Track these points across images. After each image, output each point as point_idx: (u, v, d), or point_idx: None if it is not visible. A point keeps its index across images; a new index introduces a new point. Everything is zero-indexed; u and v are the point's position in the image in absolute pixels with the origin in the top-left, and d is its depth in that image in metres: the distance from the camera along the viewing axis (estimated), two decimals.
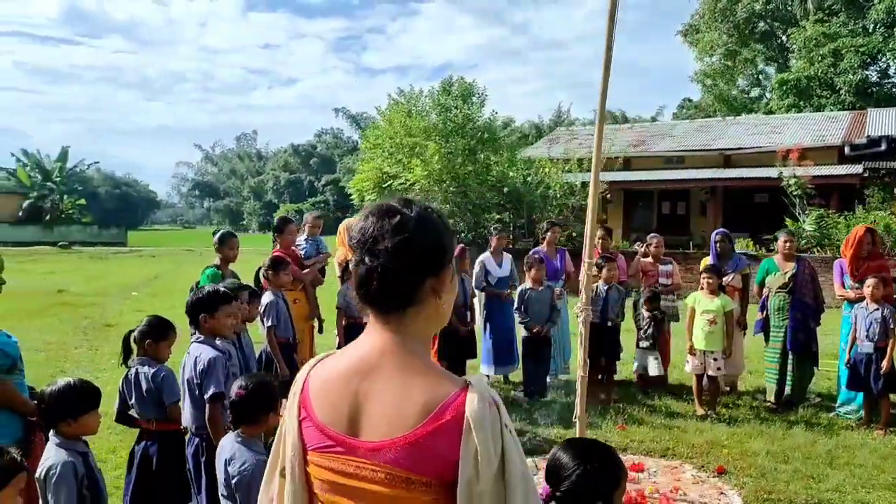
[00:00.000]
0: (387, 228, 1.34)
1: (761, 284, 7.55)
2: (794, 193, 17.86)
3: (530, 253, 7.92)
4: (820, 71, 29.81)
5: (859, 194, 19.34)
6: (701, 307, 7.05)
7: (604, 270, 7.36)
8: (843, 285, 7.06)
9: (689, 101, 47.92)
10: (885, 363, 6.35)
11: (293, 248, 6.54)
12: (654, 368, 7.70)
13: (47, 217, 45.96)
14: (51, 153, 54.43)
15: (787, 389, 7.25)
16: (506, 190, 20.83)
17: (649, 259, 8.38)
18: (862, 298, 6.66)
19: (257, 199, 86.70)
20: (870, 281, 6.60)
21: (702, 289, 7.15)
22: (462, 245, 7.67)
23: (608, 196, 22.34)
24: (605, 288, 7.31)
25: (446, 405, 1.28)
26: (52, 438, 2.76)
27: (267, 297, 5.20)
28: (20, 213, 45.49)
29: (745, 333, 7.81)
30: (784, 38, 36.69)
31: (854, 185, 19.60)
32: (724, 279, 7.80)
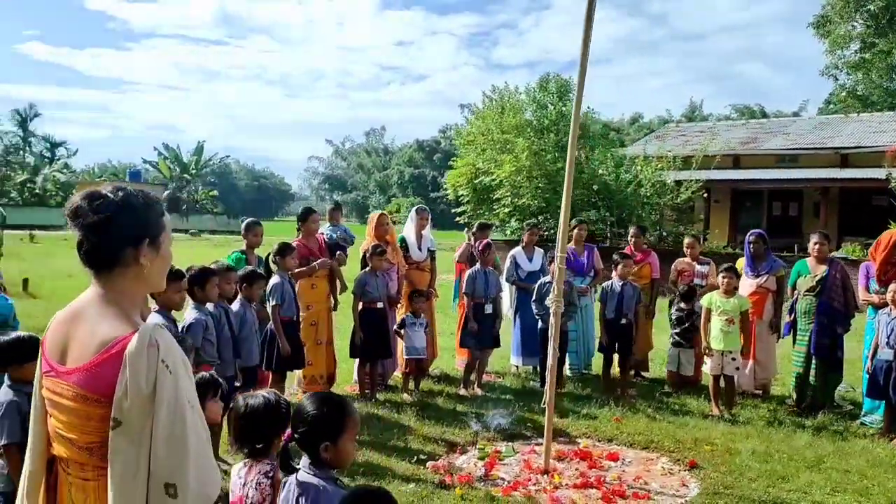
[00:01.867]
0: (90, 208, 1.80)
1: (794, 287, 7.41)
2: None
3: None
4: None
5: None
6: (717, 307, 7.05)
7: (619, 267, 7.49)
8: (867, 289, 6.84)
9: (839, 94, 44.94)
10: None
11: (318, 235, 7.15)
12: (687, 367, 7.75)
13: (184, 207, 49.91)
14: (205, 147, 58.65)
15: (810, 394, 7.10)
16: (595, 187, 20.74)
17: (686, 259, 8.39)
18: (886, 304, 6.45)
19: (382, 193, 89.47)
20: (893, 286, 6.38)
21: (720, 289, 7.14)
22: (487, 241, 8.00)
23: (704, 195, 21.69)
24: (620, 284, 7.44)
25: (115, 342, 1.69)
26: (5, 381, 3.43)
27: (273, 279, 5.83)
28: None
29: (778, 337, 7.69)
30: None
31: None
32: (757, 280, 7.75)
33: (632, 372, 8.47)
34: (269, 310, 5.76)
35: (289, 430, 2.45)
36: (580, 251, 8.53)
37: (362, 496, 2.19)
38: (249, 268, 5.63)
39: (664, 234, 20.29)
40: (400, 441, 5.63)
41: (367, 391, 6.89)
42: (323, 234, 7.23)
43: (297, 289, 6.85)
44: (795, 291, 7.33)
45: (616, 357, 7.57)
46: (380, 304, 6.90)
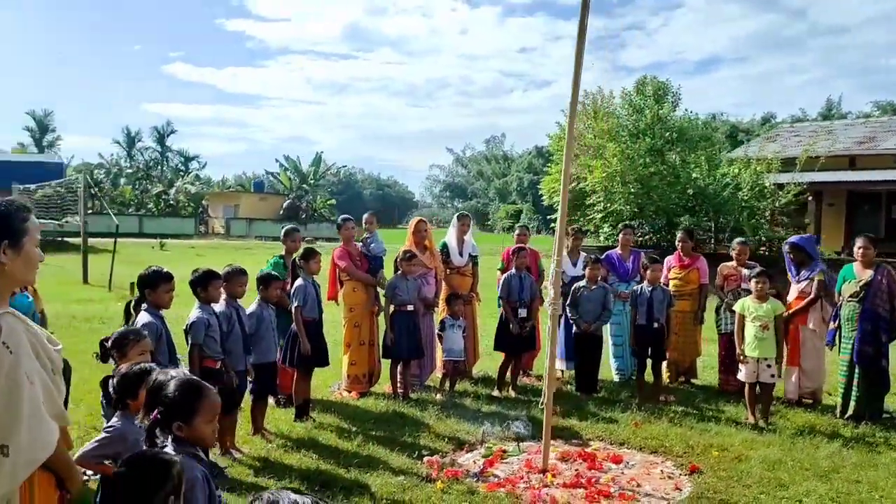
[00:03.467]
0: None
1: (840, 293, 7.13)
2: None
3: (589, 254, 8.23)
4: None
5: None
6: (751, 313, 6.90)
7: (648, 272, 7.47)
8: None
9: None
10: None
11: (355, 243, 7.61)
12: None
13: (303, 216, 52.45)
14: (330, 158, 61.52)
15: (854, 404, 6.81)
16: (690, 192, 20.20)
17: (733, 264, 8.21)
18: None
19: (502, 200, 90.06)
20: None
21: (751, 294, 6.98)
22: (520, 245, 8.18)
23: (809, 198, 20.59)
24: (650, 289, 7.41)
25: None
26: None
27: (298, 282, 6.31)
28: (280, 212, 52.45)
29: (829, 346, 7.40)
30: None
31: None
32: (800, 286, 7.53)
33: (681, 378, 8.42)
34: (291, 310, 6.24)
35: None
36: (626, 256, 8.54)
37: (134, 461, 2.34)
38: (265, 271, 6.14)
39: (762, 239, 19.46)
40: (411, 437, 5.95)
41: (399, 390, 7.25)
42: (359, 243, 7.68)
43: (341, 292, 7.36)
44: (840, 297, 7.06)
45: (650, 362, 7.55)
46: (410, 307, 7.25)
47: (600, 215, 21.82)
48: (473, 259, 8.36)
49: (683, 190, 20.43)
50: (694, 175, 20.22)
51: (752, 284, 7.02)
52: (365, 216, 7.97)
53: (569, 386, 7.96)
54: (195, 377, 2.71)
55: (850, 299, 6.90)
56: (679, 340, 8.22)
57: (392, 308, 7.26)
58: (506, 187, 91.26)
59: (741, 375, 7.04)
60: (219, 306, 5.19)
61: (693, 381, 8.42)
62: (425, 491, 4.77)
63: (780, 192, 19.40)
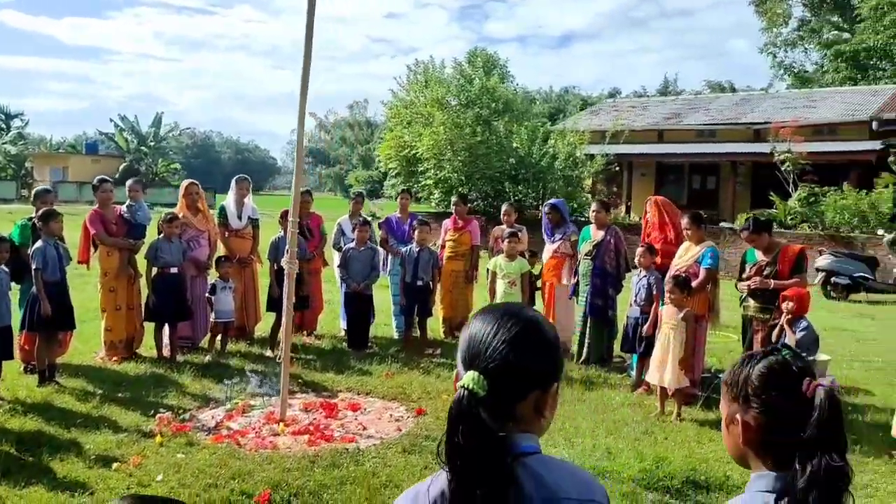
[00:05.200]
0: None
1: (580, 251, 7.89)
2: (787, 170, 17.32)
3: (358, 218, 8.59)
4: (879, 42, 27.97)
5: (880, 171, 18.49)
6: (501, 270, 7.51)
7: (416, 232, 7.96)
8: None
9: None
10: (646, 327, 6.61)
11: (116, 206, 7.49)
12: None
13: (143, 180, 49.65)
14: (186, 119, 58.04)
15: (586, 350, 7.62)
16: (512, 160, 21.17)
17: (503, 227, 8.83)
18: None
19: (366, 167, 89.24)
20: (640, 250, 6.88)
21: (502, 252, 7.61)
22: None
23: (616, 168, 22.21)
24: (417, 250, 7.88)
25: None
26: None
27: (37, 244, 6.16)
28: (116, 175, 49.44)
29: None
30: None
31: (870, 162, 18.68)
32: (553, 246, 8.24)
33: (456, 333, 9.00)
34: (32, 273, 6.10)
35: None
36: (405, 219, 8.96)
37: None
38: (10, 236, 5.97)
39: (575, 206, 20.78)
40: (156, 398, 6.02)
41: (166, 353, 7.27)
42: (121, 207, 7.54)
43: (95, 255, 7.22)
44: (580, 255, 7.82)
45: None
46: (174, 270, 7.26)
47: (432, 181, 22.39)
48: (253, 222, 8.45)
49: (508, 159, 21.37)
50: (515, 145, 21.17)
51: (504, 244, 7.63)
52: (129, 183, 7.83)
53: (343, 345, 8.31)
54: None
55: (585, 257, 7.67)
56: (452, 298, 8.79)
57: (155, 271, 7.24)
58: (369, 154, 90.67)
59: None
60: None
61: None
62: (141, 445, 4.90)
63: (590, 163, 20.79)
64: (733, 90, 50.43)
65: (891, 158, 16.90)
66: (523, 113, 23.74)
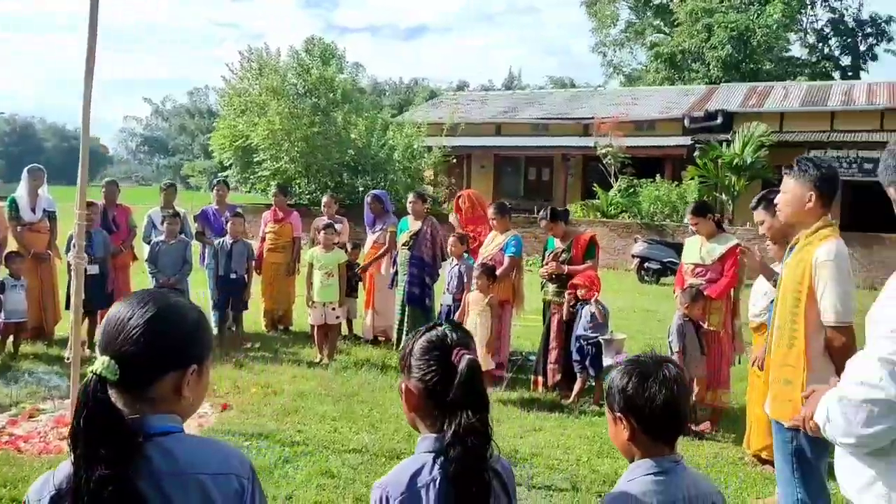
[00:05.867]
0: None
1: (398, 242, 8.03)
2: (609, 163, 18.53)
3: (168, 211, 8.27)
4: (694, 45, 30.52)
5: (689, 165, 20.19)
6: (318, 262, 7.48)
7: (229, 225, 7.78)
8: None
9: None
10: (457, 314, 6.81)
11: None
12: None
13: None
14: (3, 105, 52.69)
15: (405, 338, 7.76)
16: (351, 152, 21.10)
17: (324, 218, 8.81)
18: None
19: (208, 157, 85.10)
20: (452, 239, 7.11)
21: (319, 244, 7.59)
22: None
23: (454, 160, 22.76)
24: (231, 242, 7.69)
25: None
26: None
27: None
28: None
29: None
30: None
31: (682, 156, 20.37)
32: (374, 237, 8.32)
33: (279, 327, 8.86)
34: None
35: None
36: (222, 211, 8.69)
37: None
38: None
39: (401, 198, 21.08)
40: None
41: None
42: None
43: None
44: (398, 246, 7.96)
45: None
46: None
47: (269, 173, 21.84)
48: (50, 214, 7.87)
49: (346, 150, 21.26)
50: (353, 136, 21.11)
51: (320, 236, 7.61)
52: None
53: None
54: None
55: (402, 247, 7.81)
56: (273, 290, 8.67)
57: None
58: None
59: (310, 319, 7.62)
60: None
61: (290, 328, 8.91)
62: None
63: (427, 155, 21.16)
64: (573, 86, 53.30)
65: (696, 153, 18.50)
66: (362, 104, 23.71)
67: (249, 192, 24.38)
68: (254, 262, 8.01)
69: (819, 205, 3.23)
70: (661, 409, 1.70)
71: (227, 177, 23.02)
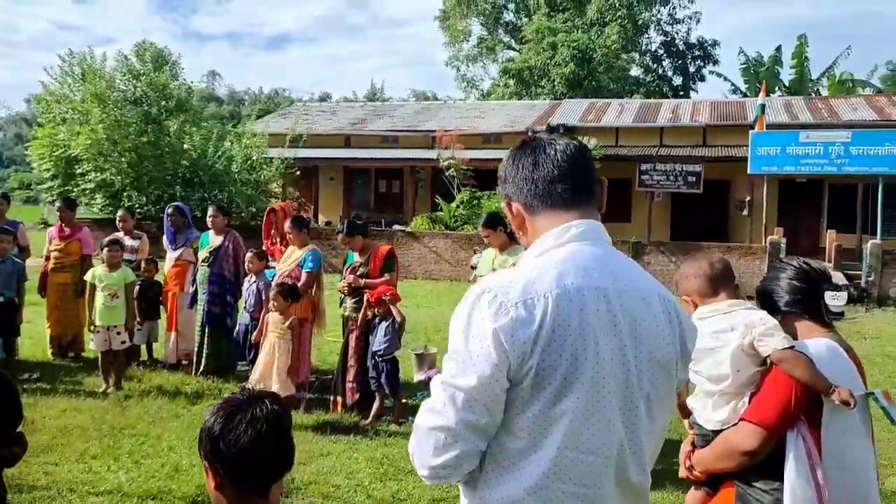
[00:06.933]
0: None
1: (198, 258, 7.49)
2: (451, 175, 18.69)
3: None
4: (540, 62, 31.64)
5: None
6: (101, 282, 6.80)
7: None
8: None
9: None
10: (255, 334, 6.37)
11: None
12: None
13: None
14: None
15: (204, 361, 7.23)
16: (184, 163, 20.02)
17: (119, 234, 8.11)
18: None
19: None
20: (248, 255, 6.70)
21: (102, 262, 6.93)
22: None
23: (297, 172, 22.16)
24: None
25: None
26: None
27: None
28: None
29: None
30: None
31: None
32: (176, 253, 7.73)
33: (70, 354, 8.02)
34: None
35: None
36: None
37: None
38: None
39: (255, 210, 20.27)
40: None
41: None
42: None
43: None
44: (198, 262, 7.42)
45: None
46: None
47: (92, 185, 20.29)
48: None
49: (180, 161, 20.14)
50: (185, 146, 20.04)
51: (104, 253, 6.93)
52: None
53: None
54: None
55: (202, 264, 7.28)
56: (60, 313, 7.84)
57: None
58: None
59: (93, 344, 6.92)
60: None
61: (82, 353, 8.09)
62: None
63: (266, 166, 20.48)
64: (436, 98, 53.94)
65: None
66: (199, 113, 22.63)
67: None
68: (24, 283, 7.17)
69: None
70: (246, 453, 1.44)
71: (42, 190, 21.28)
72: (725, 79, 37.94)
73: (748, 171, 18.75)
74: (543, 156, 1.64)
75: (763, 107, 19.59)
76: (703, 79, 41.50)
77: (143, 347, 7.90)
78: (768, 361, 2.24)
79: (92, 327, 6.80)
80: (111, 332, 6.76)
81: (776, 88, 34.95)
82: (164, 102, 20.78)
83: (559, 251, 1.54)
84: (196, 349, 7.30)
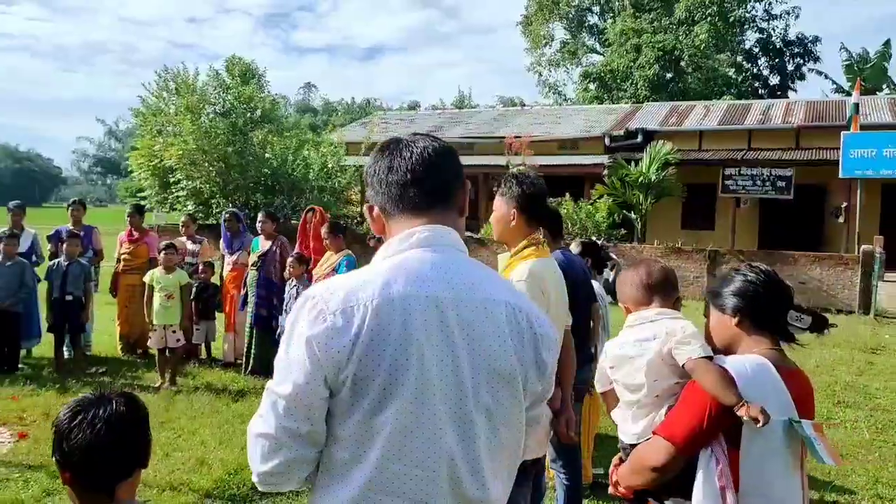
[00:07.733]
0: None
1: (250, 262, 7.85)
2: None
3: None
4: (623, 65, 31.05)
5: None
6: (158, 283, 7.24)
7: (64, 245, 7.50)
8: None
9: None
10: None
11: None
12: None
13: None
14: None
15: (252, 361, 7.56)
16: (265, 171, 20.85)
17: (182, 238, 8.62)
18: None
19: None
20: (289, 260, 6.98)
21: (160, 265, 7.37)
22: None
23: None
24: (66, 263, 7.41)
25: None
26: None
27: None
28: None
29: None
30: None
31: (601, 175, 20.51)
32: (233, 258, 8.13)
33: (139, 350, 8.54)
34: None
35: None
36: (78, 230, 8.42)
37: None
38: None
39: (332, 215, 20.88)
40: None
41: None
42: None
43: None
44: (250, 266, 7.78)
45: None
46: None
47: (184, 193, 21.46)
48: None
49: (262, 170, 21.01)
50: (267, 155, 20.88)
51: (161, 256, 7.38)
52: None
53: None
54: None
55: (251, 268, 7.63)
56: (129, 313, 8.36)
57: None
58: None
59: (151, 342, 7.38)
60: None
61: (148, 350, 8.59)
62: None
63: (340, 174, 21.11)
64: (523, 105, 53.86)
65: (605, 172, 18.67)
66: (283, 123, 23.51)
67: (170, 212, 23.90)
68: (93, 284, 7.73)
69: (522, 222, 3.19)
70: (84, 451, 1.54)
71: (81, 198, 22.62)
72: (826, 76, 36.02)
73: (839, 175, 17.67)
74: (399, 159, 1.59)
75: (857, 106, 18.39)
76: (802, 77, 39.56)
77: (202, 347, 8.34)
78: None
79: (151, 326, 7.25)
80: (167, 331, 7.18)
81: (884, 86, 32.91)
82: (249, 114, 21.73)
83: (396, 258, 1.51)
84: (245, 349, 7.64)
